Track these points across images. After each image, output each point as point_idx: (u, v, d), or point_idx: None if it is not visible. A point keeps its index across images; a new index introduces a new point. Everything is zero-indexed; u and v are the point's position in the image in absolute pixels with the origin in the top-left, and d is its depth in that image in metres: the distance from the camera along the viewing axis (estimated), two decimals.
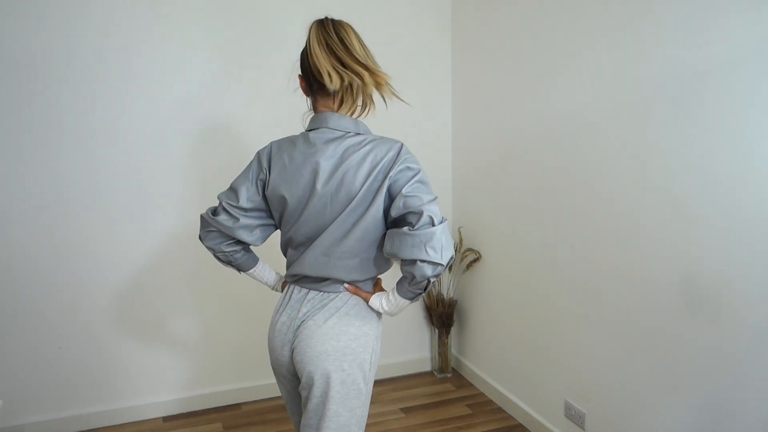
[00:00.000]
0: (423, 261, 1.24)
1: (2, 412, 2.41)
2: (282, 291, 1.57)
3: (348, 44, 1.29)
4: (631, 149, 1.85)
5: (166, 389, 2.66)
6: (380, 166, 1.30)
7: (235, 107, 2.59)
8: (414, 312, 3.09)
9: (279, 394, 2.83)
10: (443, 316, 2.97)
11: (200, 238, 1.50)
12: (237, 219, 1.41)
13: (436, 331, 3.05)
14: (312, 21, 1.33)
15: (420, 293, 1.36)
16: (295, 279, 1.43)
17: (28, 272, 2.38)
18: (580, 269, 2.14)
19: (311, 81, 1.34)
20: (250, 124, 2.63)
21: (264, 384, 2.83)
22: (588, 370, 2.14)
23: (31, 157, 2.32)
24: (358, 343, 1.36)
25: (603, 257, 2.02)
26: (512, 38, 2.45)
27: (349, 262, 1.35)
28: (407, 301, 1.39)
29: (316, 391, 1.33)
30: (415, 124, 2.90)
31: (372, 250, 1.36)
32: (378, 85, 1.31)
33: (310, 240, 1.37)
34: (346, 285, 1.39)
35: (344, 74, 1.28)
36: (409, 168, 1.30)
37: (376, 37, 2.77)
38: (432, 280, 1.29)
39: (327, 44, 1.28)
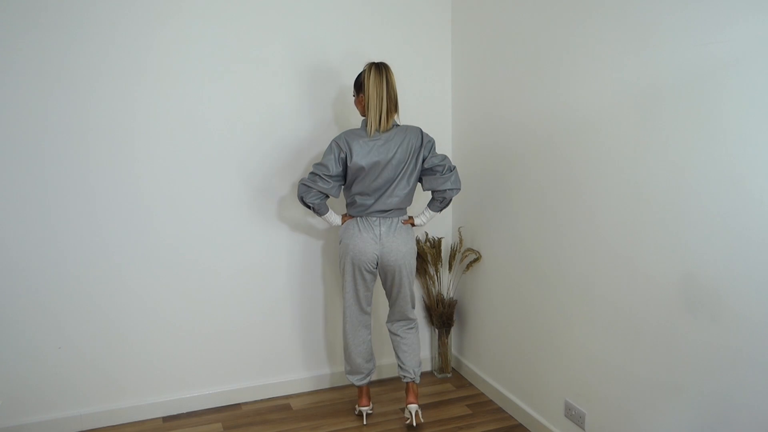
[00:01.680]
0: (450, 189, 2.38)
1: (2, 412, 2.41)
2: (342, 224, 2.48)
3: (389, 89, 2.29)
4: (631, 148, 1.85)
5: (166, 389, 2.66)
6: (415, 142, 2.36)
7: (234, 105, 2.60)
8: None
9: (278, 394, 2.85)
10: (443, 316, 2.97)
11: (301, 198, 2.34)
12: (329, 182, 2.32)
13: (436, 331, 3.05)
14: (374, 62, 2.29)
15: (445, 207, 2.47)
16: (368, 213, 2.38)
17: (28, 272, 2.38)
18: (580, 269, 2.14)
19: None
20: (249, 122, 2.63)
21: (264, 384, 2.83)
22: (588, 370, 2.14)
23: (30, 157, 2.32)
24: (413, 243, 2.47)
25: (603, 257, 2.02)
26: (512, 38, 2.45)
27: (407, 198, 2.41)
28: (437, 213, 2.51)
29: (403, 273, 2.43)
30: (415, 124, 2.89)
31: (413, 190, 2.43)
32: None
33: (380, 190, 2.35)
34: (401, 218, 2.43)
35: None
36: (429, 141, 2.40)
37: (377, 38, 2.79)
38: (452, 199, 2.43)
39: (384, 86, 2.27)
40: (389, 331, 2.61)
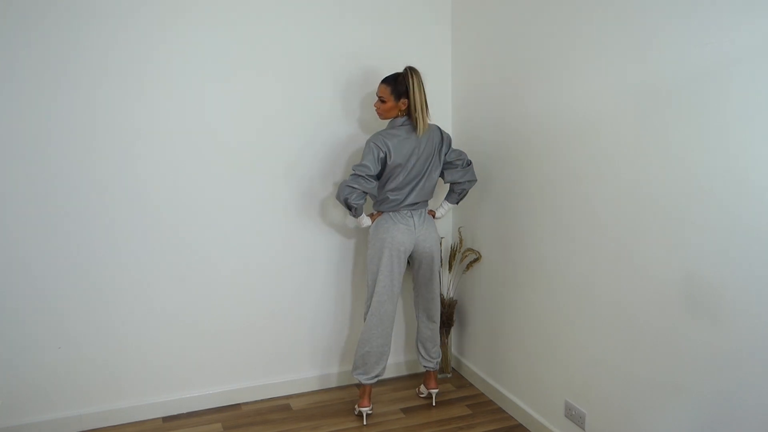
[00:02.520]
0: (470, 181, 2.63)
1: (2, 412, 2.41)
2: (373, 222, 2.60)
3: (425, 92, 2.47)
4: (631, 149, 1.85)
5: (166, 389, 2.66)
6: (436, 138, 2.56)
7: (236, 108, 2.60)
8: (414, 312, 3.09)
9: (278, 394, 2.85)
10: (443, 316, 2.97)
11: (346, 199, 2.41)
12: (372, 182, 2.44)
13: None
14: (410, 66, 2.45)
15: (462, 199, 2.70)
16: (400, 207, 2.53)
17: (28, 272, 2.38)
18: (580, 269, 2.14)
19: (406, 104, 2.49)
20: (250, 124, 2.64)
21: (264, 384, 2.83)
22: (588, 370, 2.14)
23: (32, 157, 2.32)
24: (437, 232, 2.67)
25: (603, 257, 2.02)
26: (512, 38, 2.45)
27: (431, 191, 2.60)
28: (454, 205, 2.76)
29: (435, 259, 2.62)
30: None
31: (436, 183, 2.61)
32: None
33: (411, 184, 2.51)
34: (426, 209, 2.64)
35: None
36: (447, 136, 2.61)
37: (377, 37, 2.79)
38: (469, 190, 2.69)
39: (422, 90, 2.44)
40: (419, 321, 2.78)
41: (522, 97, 2.41)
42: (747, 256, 1.52)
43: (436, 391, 2.77)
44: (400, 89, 2.44)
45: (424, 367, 2.77)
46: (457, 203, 2.74)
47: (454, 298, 3.05)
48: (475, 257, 2.85)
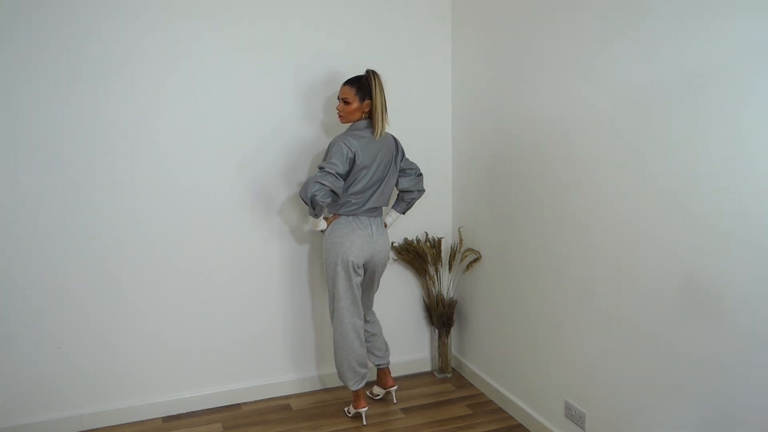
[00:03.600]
0: (419, 191, 2.68)
1: (2, 412, 2.41)
2: (328, 225, 2.53)
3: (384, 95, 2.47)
4: (631, 149, 1.85)
5: (166, 389, 2.66)
6: (392, 145, 2.55)
7: (240, 106, 2.60)
8: (414, 312, 3.09)
9: (278, 394, 2.86)
10: (443, 316, 2.97)
11: (314, 196, 2.28)
12: (340, 181, 2.36)
13: (436, 331, 3.05)
14: (371, 69, 2.45)
15: (409, 209, 2.73)
16: (359, 211, 2.49)
17: (28, 272, 2.38)
18: (580, 269, 2.14)
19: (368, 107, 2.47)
20: (248, 126, 2.64)
21: (264, 384, 2.83)
22: (588, 370, 2.14)
23: (33, 156, 2.33)
24: (389, 244, 2.64)
25: (603, 257, 2.02)
26: (512, 38, 2.45)
27: (388, 198, 2.58)
28: (401, 215, 2.76)
29: (380, 269, 2.60)
30: (415, 125, 2.90)
31: (392, 191, 2.62)
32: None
33: (371, 189, 2.49)
34: (379, 218, 2.60)
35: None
36: (402, 147, 2.64)
37: (377, 38, 2.79)
38: (416, 201, 2.72)
39: (383, 92, 2.44)
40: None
41: (522, 98, 2.41)
42: (747, 257, 1.52)
43: (395, 388, 2.75)
44: (365, 90, 2.42)
45: (377, 365, 2.75)
46: (404, 213, 2.72)
47: (454, 298, 3.05)
48: (475, 257, 2.85)
